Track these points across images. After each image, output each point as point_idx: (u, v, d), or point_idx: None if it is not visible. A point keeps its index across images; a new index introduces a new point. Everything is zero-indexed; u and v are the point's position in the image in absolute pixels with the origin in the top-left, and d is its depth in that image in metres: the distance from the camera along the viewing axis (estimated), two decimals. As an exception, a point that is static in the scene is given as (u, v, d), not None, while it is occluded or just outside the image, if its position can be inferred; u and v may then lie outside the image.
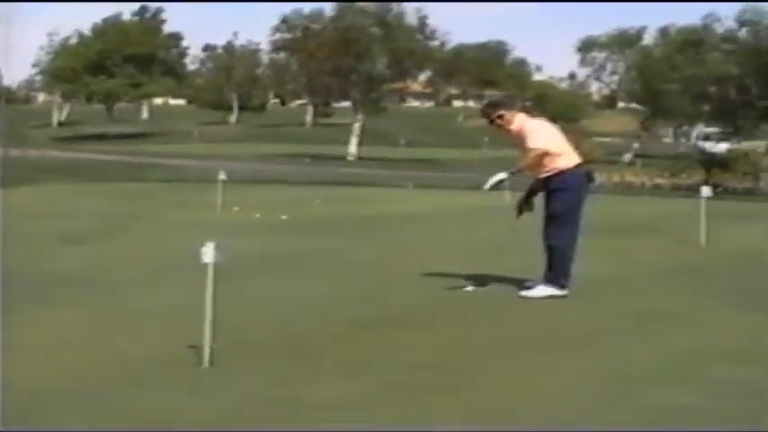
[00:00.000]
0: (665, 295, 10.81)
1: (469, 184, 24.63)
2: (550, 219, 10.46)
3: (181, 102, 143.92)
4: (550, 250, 10.40)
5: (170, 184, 28.92)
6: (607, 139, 75.73)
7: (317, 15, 53.47)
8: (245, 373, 7.17)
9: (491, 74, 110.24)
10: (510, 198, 22.88)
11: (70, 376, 7.00)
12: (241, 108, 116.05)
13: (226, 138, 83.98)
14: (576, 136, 11.36)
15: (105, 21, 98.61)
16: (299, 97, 78.82)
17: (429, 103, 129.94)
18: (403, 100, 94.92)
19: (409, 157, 52.93)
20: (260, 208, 21.03)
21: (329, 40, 50.37)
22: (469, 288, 10.74)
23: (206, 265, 7.14)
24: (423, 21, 52.14)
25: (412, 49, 51.18)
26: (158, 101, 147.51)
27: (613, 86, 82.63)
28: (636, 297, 10.66)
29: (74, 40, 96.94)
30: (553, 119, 14.75)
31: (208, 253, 7.13)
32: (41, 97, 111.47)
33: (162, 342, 7.91)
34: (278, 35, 55.35)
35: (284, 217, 19.64)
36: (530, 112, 11.55)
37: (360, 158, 49.37)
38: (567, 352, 8.01)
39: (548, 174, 10.42)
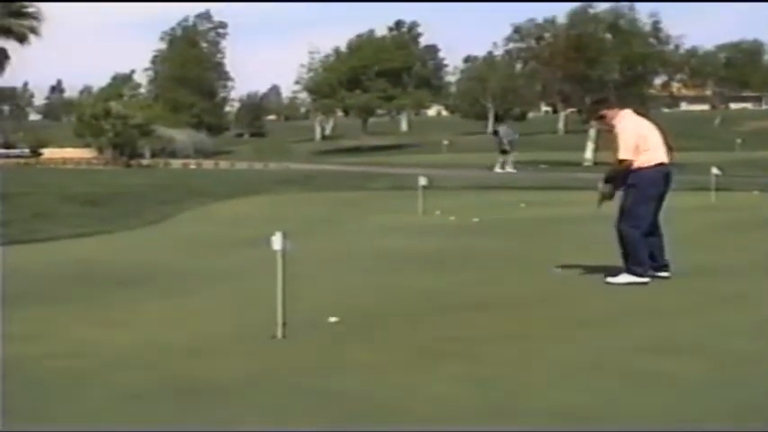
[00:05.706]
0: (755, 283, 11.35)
1: (695, 185, 24.87)
2: (622, 211, 11.27)
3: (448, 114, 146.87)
4: (620, 241, 11.21)
5: (390, 191, 30.08)
6: None
7: (549, 24, 54.14)
8: (307, 343, 8.35)
9: (744, 74, 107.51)
10: (715, 199, 23.15)
11: (157, 348, 8.31)
12: (501, 117, 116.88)
13: (478, 147, 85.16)
14: (667, 136, 11.99)
15: (360, 36, 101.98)
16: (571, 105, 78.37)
17: (703, 106, 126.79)
18: (669, 105, 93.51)
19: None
20: (460, 211, 21.99)
21: (563, 48, 50.87)
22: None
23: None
24: (656, 25, 51.96)
25: (645, 53, 51.08)
26: (431, 112, 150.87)
27: None
28: (725, 283, 11.25)
29: (332, 57, 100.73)
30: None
31: (277, 241, 8.36)
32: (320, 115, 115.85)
33: (262, 319, 8.88)
34: (511, 45, 56.19)
35: (475, 219, 20.58)
36: (638, 111, 12.15)
37: (596, 163, 49.52)
38: (609, 328, 8.86)
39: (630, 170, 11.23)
